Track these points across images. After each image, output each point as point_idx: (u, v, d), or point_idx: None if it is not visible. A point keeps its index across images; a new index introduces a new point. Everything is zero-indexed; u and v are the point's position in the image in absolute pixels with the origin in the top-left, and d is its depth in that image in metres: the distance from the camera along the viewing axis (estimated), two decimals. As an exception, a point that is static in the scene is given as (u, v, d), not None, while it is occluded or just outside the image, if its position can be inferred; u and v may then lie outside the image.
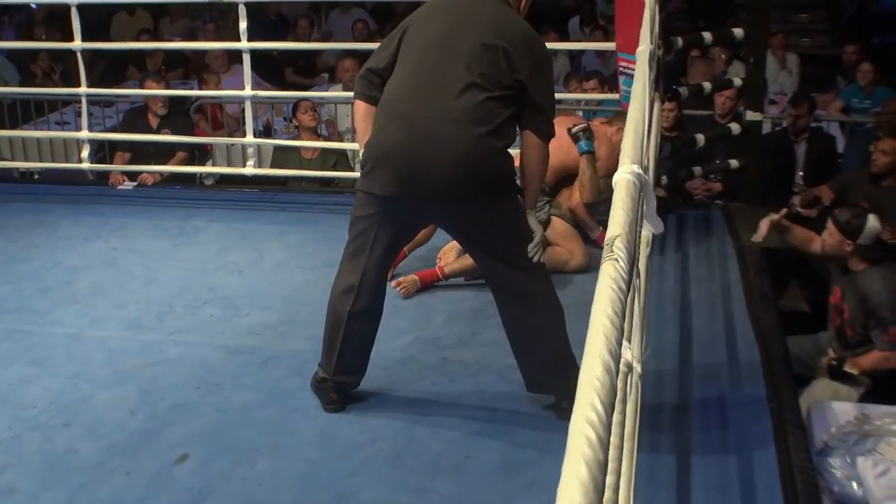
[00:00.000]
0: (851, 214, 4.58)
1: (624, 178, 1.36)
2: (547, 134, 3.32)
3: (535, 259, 3.27)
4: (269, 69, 9.10)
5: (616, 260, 1.16)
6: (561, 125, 4.80)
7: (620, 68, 5.15)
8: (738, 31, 5.55)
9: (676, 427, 3.38)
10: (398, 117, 3.19)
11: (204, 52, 9.13)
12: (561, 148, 4.50)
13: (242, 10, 5.60)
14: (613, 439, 1.14)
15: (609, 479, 1.07)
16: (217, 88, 8.14)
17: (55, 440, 3.35)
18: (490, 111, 3.14)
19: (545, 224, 4.68)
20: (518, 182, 3.36)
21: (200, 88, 8.37)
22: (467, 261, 4.61)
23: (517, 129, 3.30)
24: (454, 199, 3.17)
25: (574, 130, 4.71)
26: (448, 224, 3.47)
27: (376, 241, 3.33)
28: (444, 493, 3.03)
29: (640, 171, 1.38)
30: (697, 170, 5.73)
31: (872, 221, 4.49)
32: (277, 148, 6.60)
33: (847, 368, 4.52)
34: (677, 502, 2.94)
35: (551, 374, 3.37)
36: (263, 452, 3.25)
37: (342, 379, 3.51)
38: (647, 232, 2.93)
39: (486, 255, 3.36)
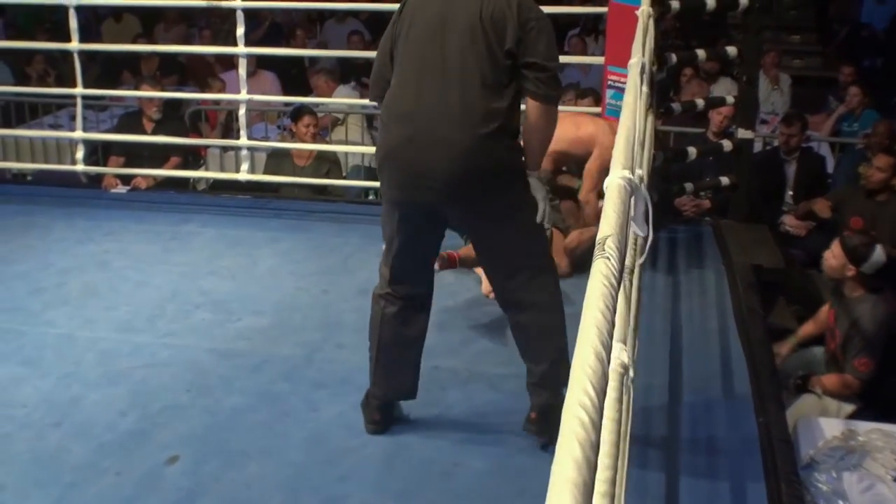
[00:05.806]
0: (860, 241, 4.62)
1: (615, 182, 1.41)
2: (549, 94, 3.07)
3: (539, 221, 3.12)
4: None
5: (608, 258, 1.19)
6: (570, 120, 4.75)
7: (610, 82, 5.18)
8: (731, 50, 5.59)
9: (665, 438, 3.40)
10: (400, 117, 3.09)
11: (200, 58, 9.15)
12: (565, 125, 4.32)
13: (240, 16, 5.64)
14: (609, 436, 1.16)
15: (606, 475, 1.08)
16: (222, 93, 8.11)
17: (46, 439, 3.37)
18: (490, 106, 3.00)
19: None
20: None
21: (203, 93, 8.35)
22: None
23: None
24: (457, 200, 3.07)
25: None
26: (459, 224, 3.40)
27: (400, 242, 3.21)
28: (432, 500, 3.04)
29: (631, 176, 1.42)
30: (688, 186, 5.75)
31: (880, 252, 4.53)
32: (271, 155, 6.63)
33: (811, 387, 4.58)
34: (665, 512, 2.96)
35: (550, 381, 3.24)
36: (253, 456, 3.26)
37: (376, 392, 3.39)
38: (640, 241, 2.96)
39: (494, 255, 3.24)
